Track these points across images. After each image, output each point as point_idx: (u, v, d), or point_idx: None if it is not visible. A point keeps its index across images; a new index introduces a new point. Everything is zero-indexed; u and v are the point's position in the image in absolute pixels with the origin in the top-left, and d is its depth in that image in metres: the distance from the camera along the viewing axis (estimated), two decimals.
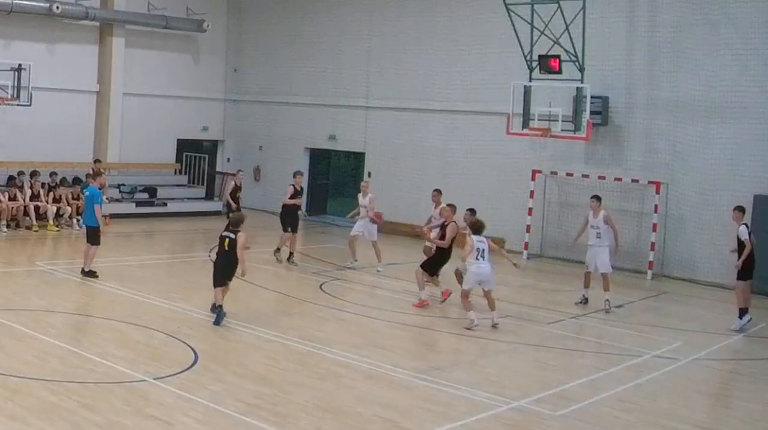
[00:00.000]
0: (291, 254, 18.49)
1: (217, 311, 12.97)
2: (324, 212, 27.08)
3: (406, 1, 24.74)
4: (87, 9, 24.34)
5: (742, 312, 14.73)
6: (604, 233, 15.69)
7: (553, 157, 21.41)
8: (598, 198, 16.07)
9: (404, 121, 24.65)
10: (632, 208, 20.19)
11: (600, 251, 15.68)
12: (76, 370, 10.08)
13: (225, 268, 13.23)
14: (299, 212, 19.42)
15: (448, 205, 15.59)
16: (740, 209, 14.99)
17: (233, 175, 22.45)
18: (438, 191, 17.31)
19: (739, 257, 14.59)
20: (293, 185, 18.64)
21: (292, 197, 18.43)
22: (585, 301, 16.03)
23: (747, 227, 14.78)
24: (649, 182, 19.82)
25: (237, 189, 20.83)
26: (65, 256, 18.62)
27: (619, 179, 20.18)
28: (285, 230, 18.31)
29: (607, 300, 15.59)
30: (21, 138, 23.56)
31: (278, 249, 18.45)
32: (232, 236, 13.24)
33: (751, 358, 13.38)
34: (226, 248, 13.22)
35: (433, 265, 15.29)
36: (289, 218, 18.31)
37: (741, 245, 14.62)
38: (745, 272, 14.67)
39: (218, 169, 28.67)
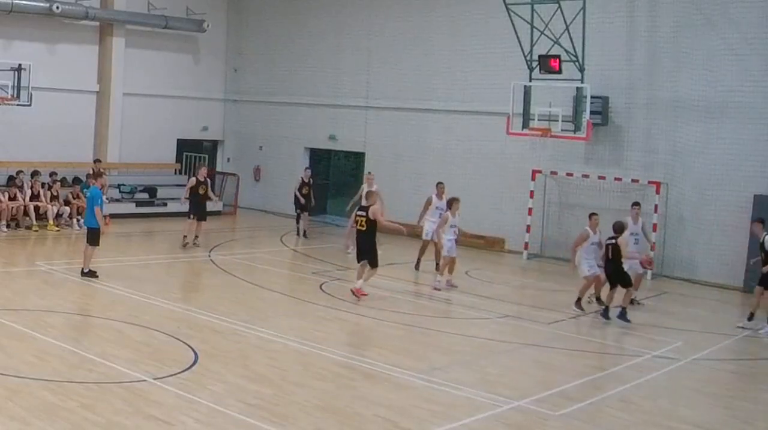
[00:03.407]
0: (196, 236, 20.35)
1: None
2: (324, 212, 27.04)
3: (406, 1, 24.74)
4: (87, 9, 24.32)
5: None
6: (642, 239, 16.32)
7: (553, 157, 21.41)
8: (638, 204, 16.47)
9: (404, 121, 24.62)
10: None
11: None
12: (76, 370, 10.07)
13: None
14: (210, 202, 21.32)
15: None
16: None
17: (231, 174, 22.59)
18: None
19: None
20: (196, 177, 20.71)
21: (193, 188, 20.27)
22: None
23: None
24: (649, 182, 19.81)
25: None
26: (65, 256, 18.61)
27: (619, 179, 20.17)
28: (189, 217, 20.30)
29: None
30: (21, 138, 23.55)
31: (185, 236, 20.30)
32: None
33: (751, 358, 13.38)
34: None
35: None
36: (193, 207, 20.24)
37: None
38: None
39: (218, 169, 28.65)
